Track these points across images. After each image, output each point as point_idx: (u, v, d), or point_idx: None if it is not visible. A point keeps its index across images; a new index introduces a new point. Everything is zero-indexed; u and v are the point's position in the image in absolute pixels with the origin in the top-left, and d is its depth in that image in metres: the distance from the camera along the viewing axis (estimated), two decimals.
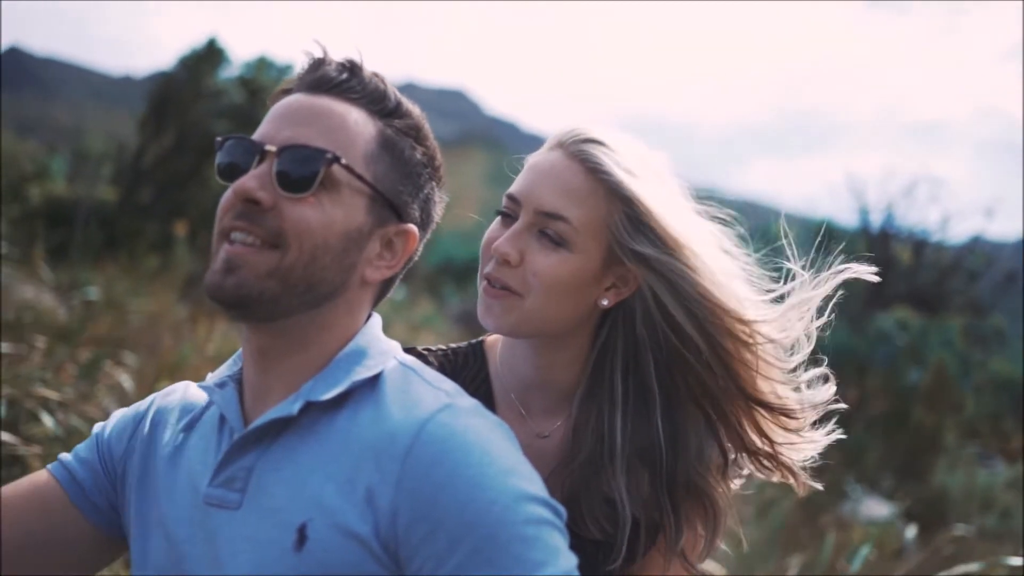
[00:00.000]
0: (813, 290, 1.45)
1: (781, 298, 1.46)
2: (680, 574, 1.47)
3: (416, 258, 1.27)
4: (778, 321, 1.42)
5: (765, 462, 1.46)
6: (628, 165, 1.38)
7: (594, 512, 1.41)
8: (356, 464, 1.05)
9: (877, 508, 6.92)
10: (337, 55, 1.21)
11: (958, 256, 18.59)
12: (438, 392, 1.11)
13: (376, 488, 1.03)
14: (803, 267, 1.47)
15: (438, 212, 1.29)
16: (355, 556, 1.02)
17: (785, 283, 1.47)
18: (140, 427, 1.27)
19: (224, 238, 1.11)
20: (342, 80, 1.18)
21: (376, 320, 1.24)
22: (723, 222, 1.48)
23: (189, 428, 1.23)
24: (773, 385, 1.41)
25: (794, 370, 1.45)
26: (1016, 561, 3.52)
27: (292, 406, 1.10)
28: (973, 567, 3.23)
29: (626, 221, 1.36)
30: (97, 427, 1.32)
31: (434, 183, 1.26)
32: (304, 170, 1.10)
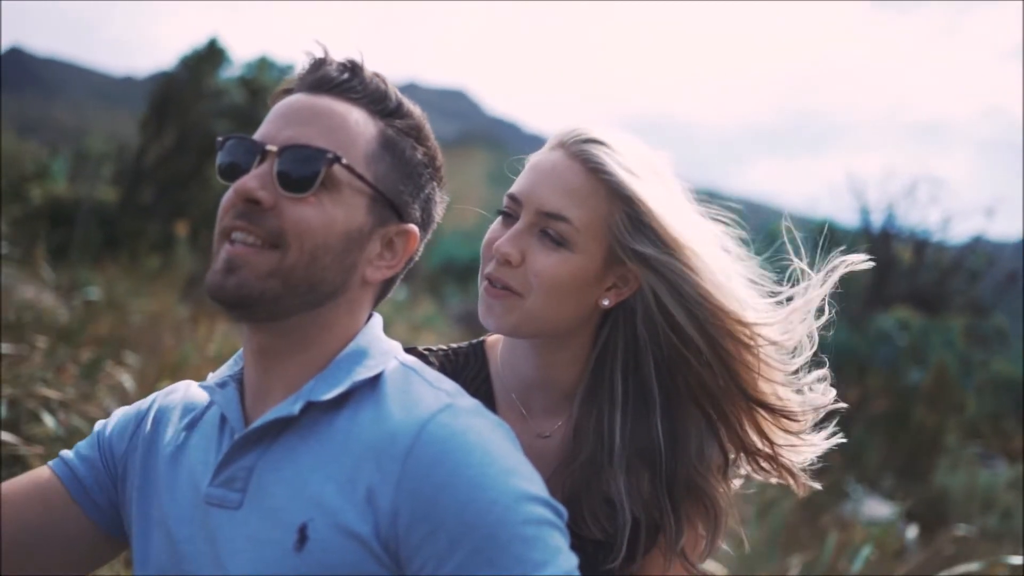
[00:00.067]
0: (814, 291, 1.45)
1: (784, 300, 1.46)
2: (681, 574, 1.46)
3: (417, 258, 1.27)
4: (780, 324, 1.42)
5: (764, 464, 1.46)
6: (629, 165, 1.38)
7: (595, 512, 1.41)
8: (357, 464, 1.05)
9: (878, 508, 6.92)
10: (338, 55, 1.21)
11: (959, 256, 18.58)
12: (439, 392, 1.11)
13: (377, 488, 1.03)
14: (806, 268, 1.47)
15: (439, 212, 1.29)
16: (356, 556, 1.02)
17: (789, 284, 1.47)
18: (142, 426, 1.28)
19: (225, 238, 1.11)
20: (343, 80, 1.18)
21: (377, 320, 1.24)
22: (725, 222, 1.48)
23: (191, 427, 1.23)
24: (774, 387, 1.41)
25: (796, 372, 1.45)
26: (1017, 560, 3.52)
27: (293, 406, 1.10)
28: (974, 566, 3.23)
29: (627, 221, 1.36)
30: (99, 425, 1.32)
31: (435, 183, 1.26)
32: (305, 170, 1.10)
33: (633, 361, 1.43)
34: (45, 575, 1.23)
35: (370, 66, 1.21)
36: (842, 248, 1.48)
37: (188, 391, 1.31)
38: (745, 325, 1.37)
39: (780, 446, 1.44)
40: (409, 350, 1.39)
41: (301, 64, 1.21)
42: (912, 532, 5.35)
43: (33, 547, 1.20)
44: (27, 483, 1.24)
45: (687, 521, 1.45)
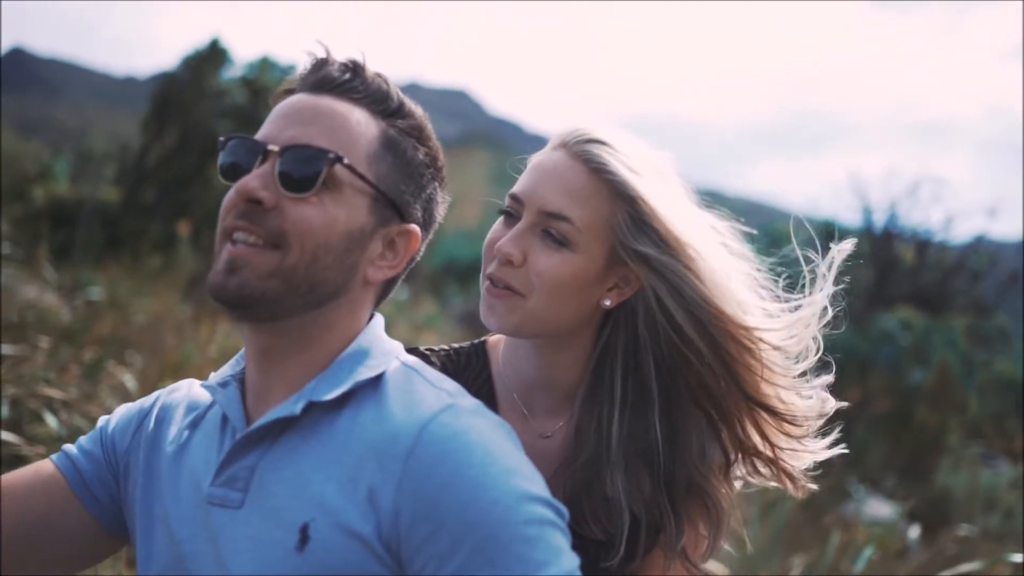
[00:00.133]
0: (818, 297, 1.44)
1: (790, 304, 1.46)
2: (681, 574, 1.46)
3: (418, 258, 1.27)
4: (782, 330, 1.42)
5: (763, 467, 1.46)
6: (632, 165, 1.38)
7: (596, 512, 1.41)
8: (358, 464, 1.05)
9: (880, 508, 6.92)
10: (340, 55, 1.21)
11: (961, 256, 18.56)
12: (440, 392, 1.11)
13: (378, 488, 1.03)
14: (812, 270, 1.46)
15: (440, 212, 1.29)
16: (357, 556, 1.02)
17: (796, 287, 1.47)
18: (145, 423, 1.28)
19: (226, 238, 1.11)
20: (345, 80, 1.18)
21: (378, 320, 1.24)
22: (729, 223, 1.48)
23: (193, 426, 1.23)
24: (777, 390, 1.40)
25: (802, 376, 1.44)
26: (1018, 558, 3.51)
27: (294, 406, 1.10)
28: (976, 565, 3.23)
29: (629, 221, 1.36)
30: (102, 420, 1.32)
31: (436, 183, 1.26)
32: (306, 170, 1.10)
33: (633, 361, 1.43)
34: (45, 569, 1.23)
35: (372, 66, 1.21)
36: (840, 246, 1.47)
37: (191, 390, 1.31)
38: (746, 329, 1.37)
39: (782, 449, 1.44)
40: (411, 350, 1.39)
41: (303, 64, 1.21)
42: (914, 532, 5.35)
43: (33, 540, 1.20)
44: (29, 476, 1.24)
45: (689, 521, 1.44)
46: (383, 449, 1.04)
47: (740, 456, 1.45)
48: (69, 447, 1.29)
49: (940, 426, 9.77)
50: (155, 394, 1.33)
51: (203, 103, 15.11)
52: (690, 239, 1.37)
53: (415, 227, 1.21)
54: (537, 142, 1.51)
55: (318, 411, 1.11)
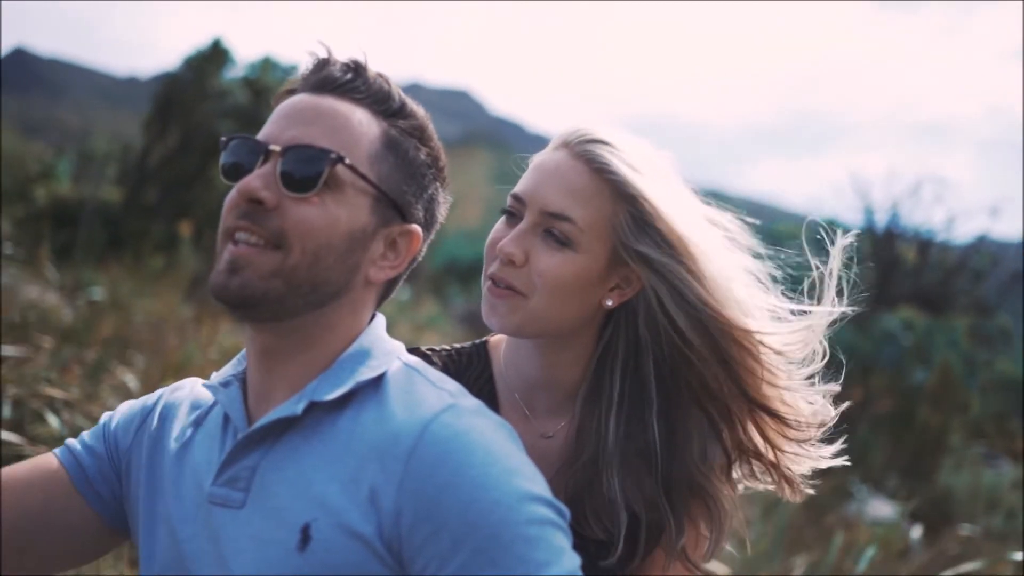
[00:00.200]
0: (824, 306, 1.44)
1: (795, 308, 1.45)
2: (682, 574, 1.46)
3: (420, 258, 1.26)
4: (785, 335, 1.41)
5: (763, 471, 1.46)
6: (634, 164, 1.37)
7: (598, 512, 1.41)
8: (360, 464, 1.05)
9: (882, 508, 6.91)
10: (341, 55, 1.21)
11: (963, 256, 18.54)
12: (441, 392, 1.11)
13: (379, 488, 1.03)
14: (820, 275, 1.46)
15: (442, 212, 1.29)
16: (358, 556, 1.02)
17: (800, 288, 1.47)
18: (148, 421, 1.28)
19: (228, 238, 1.11)
20: (346, 80, 1.18)
21: (380, 320, 1.24)
22: (734, 222, 1.47)
23: (196, 425, 1.23)
24: (779, 392, 1.40)
25: (808, 379, 1.44)
26: (1020, 557, 3.51)
27: (296, 406, 1.10)
28: (978, 564, 3.22)
29: (631, 221, 1.36)
30: (105, 416, 1.32)
31: (438, 183, 1.26)
32: (308, 170, 1.10)
33: (633, 361, 1.43)
34: (45, 564, 1.23)
35: (373, 66, 1.21)
36: (840, 243, 1.47)
37: (194, 388, 1.31)
38: (746, 331, 1.37)
39: (784, 452, 1.43)
40: (412, 350, 1.39)
41: (304, 64, 1.21)
42: (916, 532, 5.34)
43: (33, 534, 1.20)
44: (30, 469, 1.24)
45: (690, 521, 1.44)
46: (384, 449, 1.04)
47: (740, 457, 1.45)
48: (72, 442, 1.29)
49: (942, 426, 9.76)
50: (158, 392, 1.33)
51: (205, 103, 15.11)
52: (692, 239, 1.36)
53: (417, 227, 1.21)
54: (539, 142, 1.51)
55: (319, 411, 1.11)
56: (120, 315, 5.76)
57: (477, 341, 1.58)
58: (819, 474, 1.50)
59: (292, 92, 1.20)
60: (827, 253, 1.47)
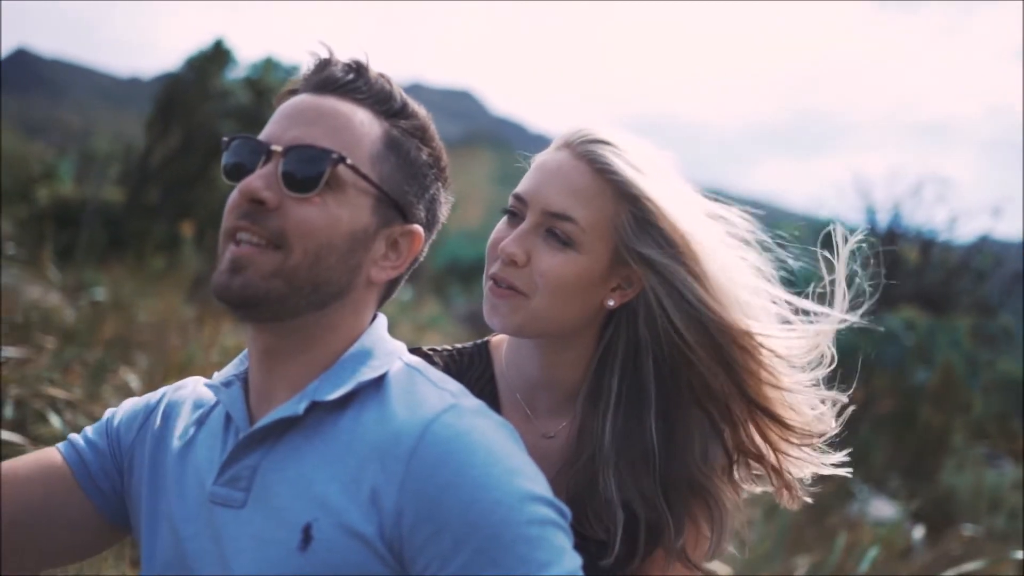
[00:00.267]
0: (834, 314, 1.44)
1: (799, 309, 1.45)
2: (682, 574, 1.46)
3: (421, 259, 1.27)
4: (790, 339, 1.41)
5: (763, 473, 1.46)
6: (636, 164, 1.37)
7: (599, 512, 1.41)
8: (361, 464, 1.05)
9: (884, 508, 6.90)
10: (343, 56, 1.21)
11: (965, 256, 18.51)
12: (443, 392, 1.11)
13: (381, 488, 1.03)
14: (831, 280, 1.45)
15: (444, 213, 1.29)
16: (360, 556, 1.02)
17: (804, 289, 1.46)
18: (151, 419, 1.28)
19: (230, 238, 1.11)
20: (348, 80, 1.18)
21: (382, 320, 1.24)
22: (740, 222, 1.47)
23: (199, 424, 1.23)
24: (782, 394, 1.40)
25: (814, 385, 1.44)
26: (1021, 556, 3.51)
27: (297, 406, 1.10)
28: (980, 563, 3.22)
29: (632, 221, 1.36)
30: (108, 412, 1.32)
31: (440, 184, 1.26)
32: (310, 170, 1.10)
33: (633, 361, 1.43)
34: (44, 558, 1.23)
35: (375, 66, 1.21)
36: (848, 244, 1.47)
37: (197, 387, 1.31)
38: (748, 334, 1.36)
39: (785, 455, 1.43)
40: (413, 350, 1.39)
41: (306, 65, 1.21)
42: (919, 532, 5.34)
43: (33, 528, 1.20)
44: (33, 463, 1.23)
45: (692, 521, 1.44)
46: (386, 449, 1.05)
47: (741, 458, 1.45)
48: (75, 436, 1.29)
49: (944, 426, 9.74)
50: (162, 390, 1.33)
51: (207, 104, 15.12)
52: (694, 238, 1.36)
53: (418, 227, 1.21)
54: (540, 142, 1.51)
55: (321, 411, 1.11)
56: (122, 315, 5.77)
57: (478, 341, 1.58)
58: (820, 478, 1.50)
59: (294, 92, 1.20)
60: (834, 255, 1.46)
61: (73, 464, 1.25)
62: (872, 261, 1.48)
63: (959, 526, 5.77)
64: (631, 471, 1.41)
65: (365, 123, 1.16)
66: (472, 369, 1.52)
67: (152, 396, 1.32)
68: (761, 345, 1.37)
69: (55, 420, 3.37)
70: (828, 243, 1.47)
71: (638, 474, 1.42)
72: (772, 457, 1.43)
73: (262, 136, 1.15)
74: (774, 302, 1.45)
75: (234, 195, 1.12)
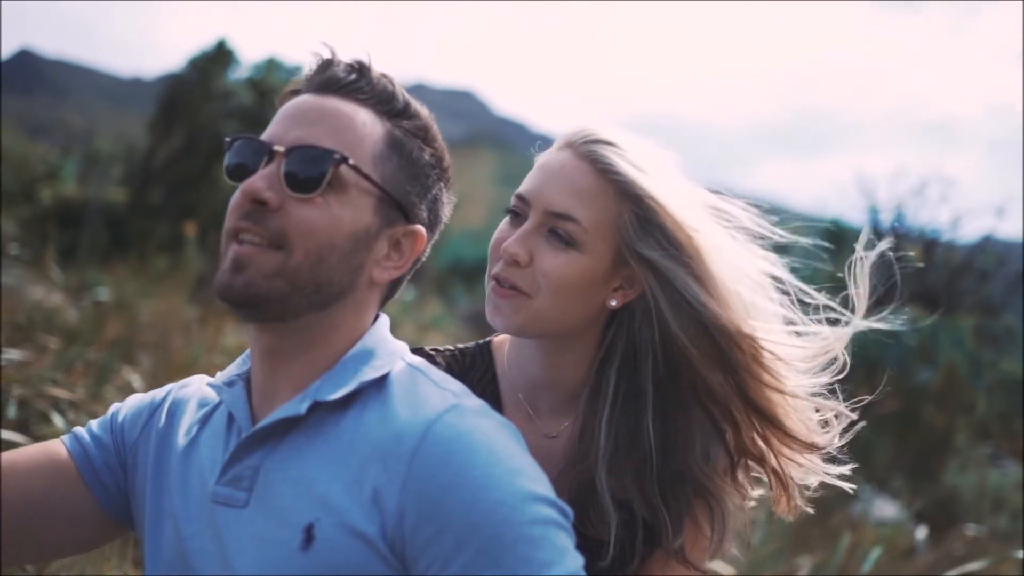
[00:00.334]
0: (847, 327, 1.43)
1: (812, 309, 1.45)
2: (679, 573, 1.45)
3: (424, 259, 1.26)
4: (794, 346, 1.40)
5: (762, 476, 1.46)
6: (638, 164, 1.37)
7: (600, 512, 1.40)
8: (363, 464, 1.05)
9: (888, 509, 6.90)
10: (345, 56, 1.21)
11: (969, 255, 18.49)
12: (445, 393, 1.11)
13: (383, 488, 1.03)
14: (860, 294, 1.45)
15: (446, 213, 1.29)
16: (362, 556, 1.02)
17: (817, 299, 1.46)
18: (155, 416, 1.28)
19: (232, 238, 1.11)
20: (350, 81, 1.18)
21: (384, 321, 1.24)
22: (747, 221, 1.46)
23: (203, 422, 1.23)
24: (783, 398, 1.39)
25: (819, 393, 1.43)
26: (1022, 555, 3.51)
27: (299, 406, 1.10)
28: (983, 563, 3.22)
29: (635, 221, 1.36)
30: (113, 407, 1.32)
31: (442, 184, 1.26)
32: (312, 170, 1.10)
33: (632, 362, 1.42)
34: (44, 550, 1.24)
35: (377, 67, 1.21)
36: (868, 254, 1.46)
37: (202, 385, 1.31)
38: (750, 338, 1.36)
39: (785, 458, 1.43)
40: (416, 350, 1.40)
41: (308, 65, 1.21)
42: (922, 532, 5.33)
43: (33, 518, 1.20)
44: (36, 454, 1.23)
45: (693, 521, 1.44)
46: (388, 449, 1.05)
47: (743, 460, 1.44)
48: (79, 430, 1.29)
49: (947, 426, 9.73)
50: (166, 387, 1.33)
51: (210, 104, 15.14)
52: (697, 237, 1.36)
53: (420, 228, 1.21)
54: (543, 142, 1.51)
55: (323, 411, 1.11)
56: (125, 316, 5.77)
57: (480, 341, 1.58)
58: (823, 483, 1.49)
59: (296, 93, 1.20)
60: (839, 257, 1.46)
61: (77, 458, 1.25)
62: (894, 266, 1.47)
63: (962, 526, 5.76)
64: (629, 471, 1.41)
65: (367, 123, 1.16)
66: (474, 369, 1.52)
67: (157, 393, 1.32)
68: (763, 347, 1.37)
69: (58, 420, 3.37)
70: (837, 243, 1.47)
71: (636, 474, 1.41)
72: (773, 460, 1.43)
73: (264, 136, 1.15)
74: (781, 304, 1.44)
75: (236, 195, 1.12)
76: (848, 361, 1.45)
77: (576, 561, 1.00)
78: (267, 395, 1.16)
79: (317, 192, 1.10)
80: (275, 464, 1.11)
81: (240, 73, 15.70)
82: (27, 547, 1.21)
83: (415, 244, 1.21)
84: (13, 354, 3.80)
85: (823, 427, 1.45)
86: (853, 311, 1.45)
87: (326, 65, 1.20)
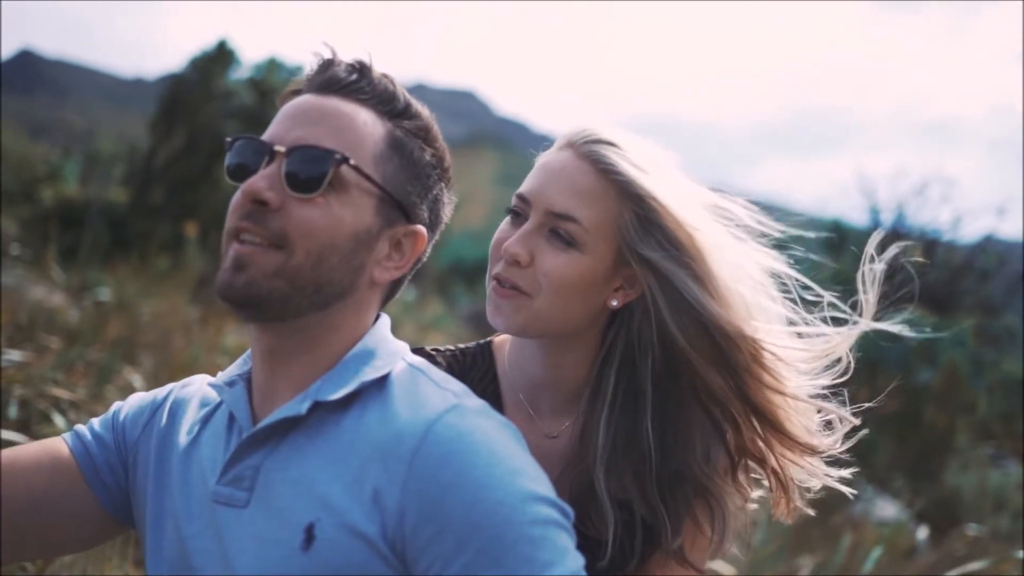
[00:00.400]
0: (851, 332, 1.43)
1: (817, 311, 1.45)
2: (677, 573, 1.45)
3: (424, 259, 1.27)
4: (796, 348, 1.40)
5: (762, 478, 1.46)
6: (639, 164, 1.37)
7: (601, 512, 1.40)
8: (363, 464, 1.06)
9: (888, 509, 6.89)
10: (346, 56, 1.21)
11: (970, 255, 18.48)
12: (445, 393, 1.11)
13: (383, 489, 1.03)
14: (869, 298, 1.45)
15: (447, 213, 1.29)
16: (362, 556, 1.02)
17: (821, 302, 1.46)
18: (157, 416, 1.28)
19: (233, 238, 1.12)
20: (351, 81, 1.18)
21: (384, 321, 1.24)
22: (750, 221, 1.46)
23: (204, 422, 1.24)
24: (784, 400, 1.39)
25: (824, 396, 1.43)
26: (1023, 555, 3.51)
27: (300, 405, 1.10)
28: (983, 563, 3.21)
29: (635, 221, 1.36)
30: (115, 406, 1.32)
31: (443, 184, 1.26)
32: (313, 170, 1.10)
33: (632, 362, 1.42)
34: (43, 548, 1.23)
35: (378, 67, 1.21)
36: (853, 248, 1.46)
37: (203, 385, 1.31)
38: (749, 338, 1.36)
39: (786, 460, 1.43)
40: (416, 350, 1.40)
41: (309, 65, 1.21)
42: (923, 532, 5.33)
43: (33, 515, 1.19)
44: (38, 452, 1.23)
45: (693, 521, 1.44)
46: (388, 449, 1.05)
47: (743, 460, 1.44)
48: (81, 428, 1.29)
49: (948, 426, 9.72)
50: (168, 387, 1.33)
51: (211, 104, 15.14)
52: (699, 237, 1.36)
53: (421, 228, 1.21)
54: (544, 142, 1.50)
55: (324, 411, 1.12)
56: (126, 316, 5.77)
57: (481, 341, 1.58)
58: (824, 485, 1.49)
59: (297, 93, 1.20)
60: (840, 256, 1.46)
61: (79, 456, 1.25)
62: (902, 271, 1.47)
63: (963, 526, 5.76)
64: (628, 471, 1.41)
65: (368, 123, 1.16)
66: (475, 369, 1.52)
67: (159, 392, 1.32)
68: (764, 348, 1.36)
69: (59, 420, 3.37)
70: (838, 243, 1.47)
71: (635, 474, 1.41)
72: (774, 461, 1.43)
73: (265, 136, 1.16)
74: (783, 303, 1.44)
75: (237, 196, 1.12)
76: (852, 363, 1.44)
77: (577, 561, 1.00)
78: (268, 395, 1.17)
79: (318, 192, 1.10)
80: (276, 464, 1.11)
81: (241, 73, 15.69)
82: (27, 544, 1.21)
83: (416, 244, 1.21)
84: (14, 354, 3.80)
85: (825, 429, 1.45)
86: (860, 313, 1.44)
87: (327, 65, 1.20)
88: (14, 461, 1.20)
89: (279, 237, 1.09)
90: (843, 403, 1.45)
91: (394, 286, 1.25)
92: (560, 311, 1.37)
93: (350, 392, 1.11)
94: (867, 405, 1.46)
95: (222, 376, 1.24)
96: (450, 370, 1.48)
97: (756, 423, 1.39)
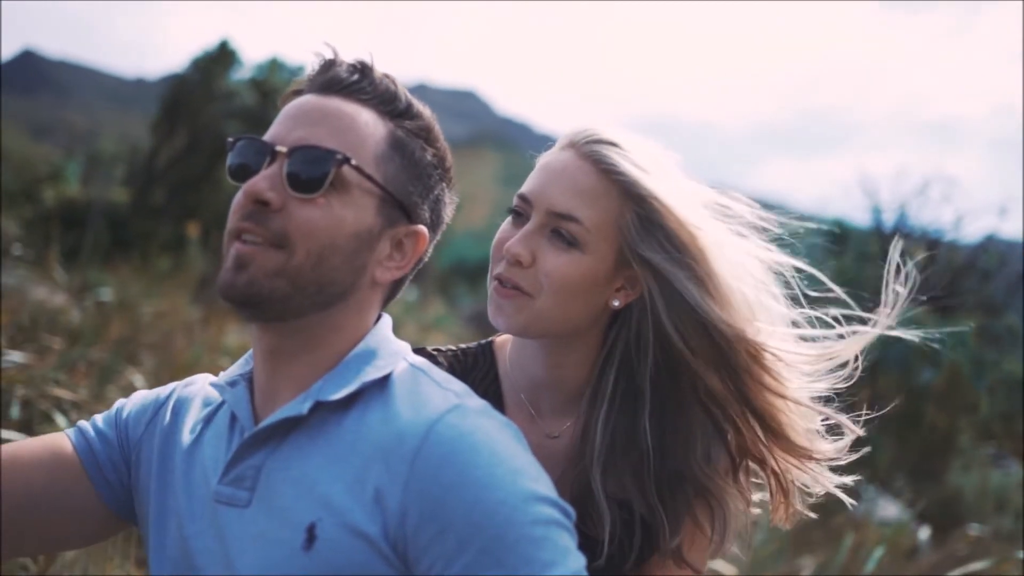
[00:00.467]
0: (858, 340, 1.43)
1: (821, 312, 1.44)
2: (675, 574, 1.45)
3: (426, 259, 1.27)
4: (798, 350, 1.40)
5: (763, 481, 1.45)
6: (641, 164, 1.37)
7: (599, 511, 1.40)
8: (365, 464, 1.06)
9: (890, 509, 6.89)
10: (348, 56, 1.21)
11: (971, 255, 18.46)
12: (447, 393, 1.11)
13: (385, 489, 1.03)
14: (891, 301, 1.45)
15: (448, 213, 1.29)
16: (364, 556, 1.02)
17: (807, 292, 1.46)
18: (160, 414, 1.28)
19: (234, 238, 1.12)
20: (353, 81, 1.18)
21: (386, 321, 1.24)
22: (752, 221, 1.46)
23: (207, 421, 1.24)
24: (786, 404, 1.39)
25: (825, 400, 1.43)
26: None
27: (302, 405, 1.10)
28: (985, 563, 3.21)
29: (637, 221, 1.35)
30: (118, 403, 1.32)
31: (444, 184, 1.26)
32: (314, 171, 1.10)
33: (632, 362, 1.42)
34: (44, 544, 1.23)
35: (380, 67, 1.21)
36: (854, 248, 1.46)
37: (206, 384, 1.31)
38: (748, 339, 1.35)
39: (785, 460, 1.42)
40: (418, 350, 1.40)
41: (311, 65, 1.21)
42: (925, 533, 5.33)
43: (34, 511, 1.19)
44: (40, 448, 1.23)
45: (693, 522, 1.44)
46: (390, 449, 1.05)
47: (744, 461, 1.44)
48: (84, 425, 1.28)
49: (950, 426, 9.71)
50: (171, 385, 1.33)
51: (212, 105, 15.16)
52: (700, 237, 1.35)
53: (423, 228, 1.21)
54: (546, 142, 1.50)
55: (325, 411, 1.12)
56: (128, 316, 5.78)
57: (483, 341, 1.58)
58: (825, 492, 1.49)
59: (298, 93, 1.20)
60: (842, 256, 1.46)
61: (82, 452, 1.24)
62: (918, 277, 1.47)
63: (965, 526, 5.76)
64: (627, 470, 1.41)
65: (370, 124, 1.16)
66: (476, 369, 1.52)
67: (162, 391, 1.32)
68: (765, 349, 1.36)
69: (61, 420, 3.38)
70: (840, 243, 1.47)
71: (634, 474, 1.41)
72: (774, 463, 1.42)
73: (267, 137, 1.16)
74: (786, 303, 1.44)
75: (239, 196, 1.12)
76: (859, 367, 1.44)
77: (578, 561, 1.00)
78: (269, 395, 1.17)
79: (319, 192, 1.10)
80: (277, 464, 1.11)
81: (243, 73, 15.72)
82: (28, 540, 1.21)
83: (417, 244, 1.21)
84: (16, 355, 3.81)
85: (827, 434, 1.44)
86: (872, 317, 1.44)
87: (328, 65, 1.20)
88: (15, 457, 1.19)
89: (280, 237, 1.09)
90: (847, 407, 1.45)
91: (395, 286, 1.25)
92: (561, 311, 1.37)
93: (352, 392, 1.11)
94: (870, 415, 1.45)
95: (224, 376, 1.24)
96: (451, 370, 1.48)
97: (756, 426, 1.38)
